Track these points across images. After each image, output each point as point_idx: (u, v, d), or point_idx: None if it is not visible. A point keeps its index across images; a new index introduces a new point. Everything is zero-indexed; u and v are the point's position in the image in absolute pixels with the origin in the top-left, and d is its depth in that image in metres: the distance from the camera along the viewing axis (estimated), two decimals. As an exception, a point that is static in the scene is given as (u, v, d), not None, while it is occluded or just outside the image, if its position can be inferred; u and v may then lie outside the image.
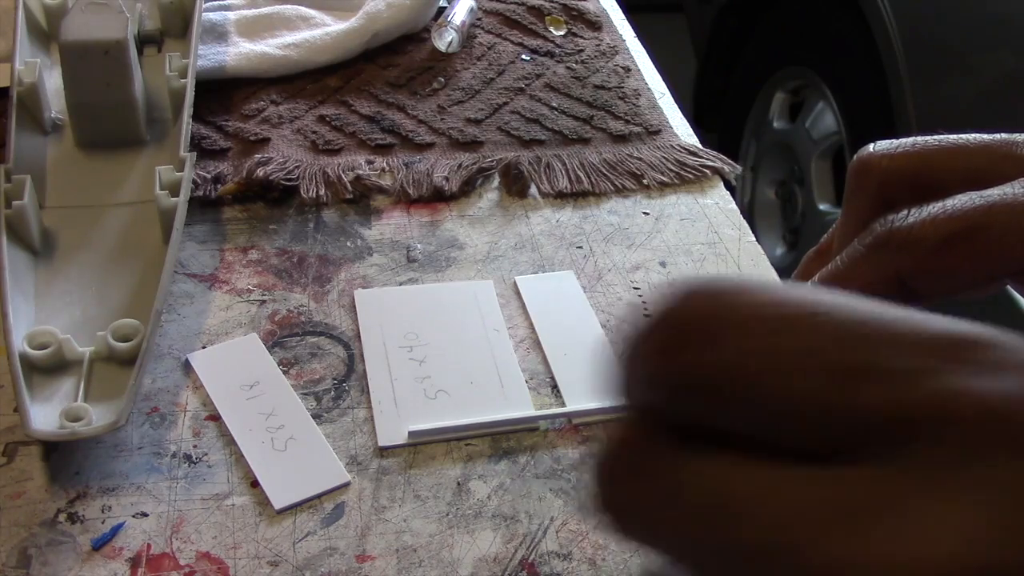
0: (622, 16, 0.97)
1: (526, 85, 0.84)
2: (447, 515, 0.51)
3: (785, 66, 1.95)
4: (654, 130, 0.80)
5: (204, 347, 0.59)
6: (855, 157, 0.33)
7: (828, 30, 1.78)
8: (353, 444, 0.54)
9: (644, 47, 0.92)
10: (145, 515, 0.50)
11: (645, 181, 0.75)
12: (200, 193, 0.69)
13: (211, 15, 0.83)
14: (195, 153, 0.66)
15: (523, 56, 0.88)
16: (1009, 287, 0.30)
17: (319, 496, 0.52)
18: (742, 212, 0.74)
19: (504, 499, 0.52)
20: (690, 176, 0.76)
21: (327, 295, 0.64)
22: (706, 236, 0.71)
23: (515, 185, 0.74)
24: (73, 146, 0.69)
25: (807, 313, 0.18)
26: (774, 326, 0.18)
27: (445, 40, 0.86)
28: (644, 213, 0.73)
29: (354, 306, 0.63)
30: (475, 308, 0.64)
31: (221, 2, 0.86)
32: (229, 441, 0.54)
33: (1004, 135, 0.30)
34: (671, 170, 0.76)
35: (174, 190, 0.62)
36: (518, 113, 0.81)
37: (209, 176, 0.70)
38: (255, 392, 0.57)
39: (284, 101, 0.79)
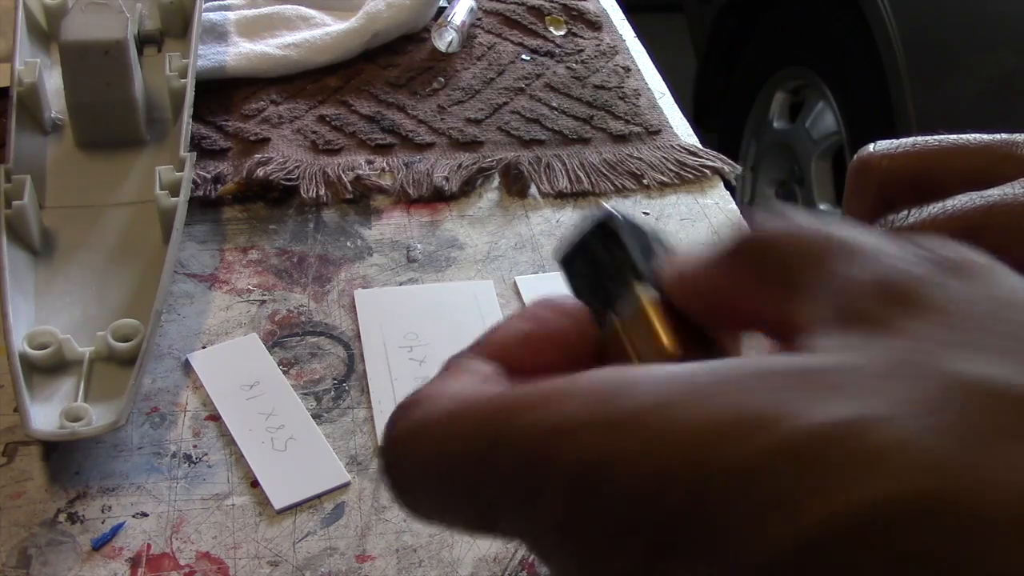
0: (622, 16, 0.97)
1: (526, 85, 0.84)
2: (447, 515, 0.51)
3: (785, 66, 1.95)
4: (654, 130, 0.80)
5: (204, 347, 0.59)
6: (855, 157, 0.33)
7: (828, 30, 1.78)
8: (353, 444, 0.54)
9: (644, 47, 0.92)
10: (145, 515, 0.50)
11: (645, 181, 0.75)
12: (200, 193, 0.69)
13: (211, 15, 0.83)
14: (195, 153, 0.66)
15: (523, 56, 0.88)
16: None
17: (319, 496, 0.52)
18: (742, 212, 0.74)
19: (504, 499, 0.52)
20: (690, 176, 0.76)
21: (327, 295, 0.64)
22: (706, 236, 0.71)
23: (515, 185, 0.74)
24: (73, 146, 0.69)
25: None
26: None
27: (445, 40, 0.86)
28: (644, 213, 0.73)
29: (354, 306, 0.63)
30: (475, 308, 0.64)
31: (221, 2, 0.86)
32: (229, 441, 0.54)
33: (1004, 135, 0.30)
34: (671, 170, 0.76)
35: (174, 190, 0.62)
36: (518, 113, 0.81)
37: (209, 176, 0.70)
38: (255, 392, 0.57)
39: (284, 101, 0.79)
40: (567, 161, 0.76)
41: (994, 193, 0.27)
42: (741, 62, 2.08)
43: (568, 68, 0.87)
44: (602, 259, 0.26)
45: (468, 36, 0.89)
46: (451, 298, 0.64)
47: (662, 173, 0.76)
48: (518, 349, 0.24)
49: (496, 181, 0.75)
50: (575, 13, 0.94)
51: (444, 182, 0.73)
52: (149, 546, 0.48)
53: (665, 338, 0.23)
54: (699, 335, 0.24)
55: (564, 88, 0.84)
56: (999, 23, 1.44)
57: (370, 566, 0.49)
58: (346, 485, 0.52)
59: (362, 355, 0.59)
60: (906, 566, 0.15)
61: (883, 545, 0.15)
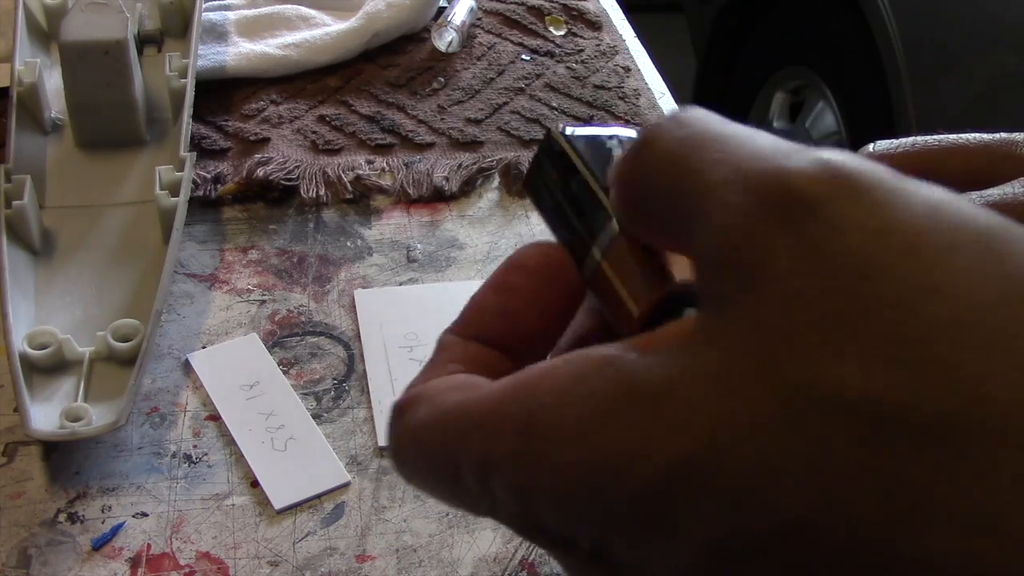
0: (622, 16, 0.97)
1: (526, 85, 0.84)
2: (447, 515, 0.51)
3: (785, 66, 1.95)
4: (654, 130, 0.80)
5: (204, 347, 0.59)
6: None
7: (828, 30, 1.78)
8: (353, 444, 0.54)
9: (644, 47, 0.92)
10: (145, 515, 0.50)
11: (645, 181, 0.75)
12: (200, 193, 0.69)
13: (211, 15, 0.83)
14: (195, 153, 0.66)
15: (523, 56, 0.88)
16: None
17: (319, 496, 0.52)
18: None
19: (504, 499, 0.52)
20: (690, 176, 0.76)
21: (327, 295, 0.64)
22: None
23: (515, 185, 0.74)
24: (73, 146, 0.69)
25: None
26: None
27: (445, 40, 0.86)
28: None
29: (354, 306, 0.63)
30: (475, 308, 0.64)
31: (221, 2, 0.86)
32: (229, 441, 0.54)
33: (1004, 135, 0.30)
34: (671, 170, 0.76)
35: (174, 190, 0.62)
36: (518, 113, 0.81)
37: (209, 176, 0.70)
38: (255, 392, 0.57)
39: (284, 101, 0.79)
40: (567, 161, 0.76)
41: (994, 193, 0.27)
42: (741, 62, 2.08)
43: (568, 68, 0.87)
44: (559, 185, 0.24)
45: (468, 36, 0.89)
46: (451, 298, 0.64)
47: (662, 173, 0.76)
48: (496, 324, 0.24)
49: (496, 181, 0.75)
50: (575, 13, 0.94)
51: (444, 182, 0.73)
52: (149, 546, 0.48)
53: (640, 280, 0.22)
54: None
55: (564, 88, 0.84)
56: (999, 23, 1.44)
57: (370, 566, 0.49)
58: (346, 485, 0.52)
59: (362, 355, 0.59)
60: None
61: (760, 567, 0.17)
